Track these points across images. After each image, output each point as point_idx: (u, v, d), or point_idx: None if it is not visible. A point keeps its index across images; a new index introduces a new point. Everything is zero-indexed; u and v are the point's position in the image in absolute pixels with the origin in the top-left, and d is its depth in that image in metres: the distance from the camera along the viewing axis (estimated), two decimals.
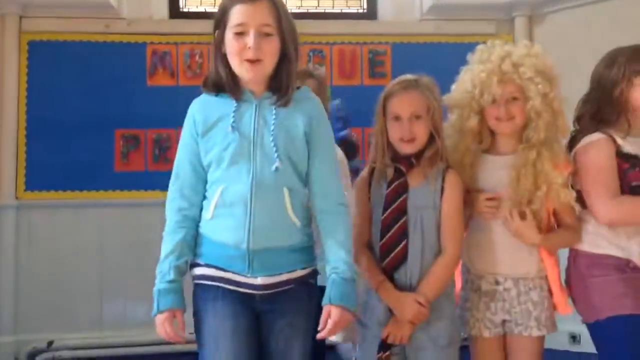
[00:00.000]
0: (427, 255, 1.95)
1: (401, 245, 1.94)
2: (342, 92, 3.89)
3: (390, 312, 1.94)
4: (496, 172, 2.04)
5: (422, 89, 1.99)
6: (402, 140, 1.97)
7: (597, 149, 2.04)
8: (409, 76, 2.03)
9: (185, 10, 4.19)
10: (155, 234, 1.88)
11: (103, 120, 3.83)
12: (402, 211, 1.95)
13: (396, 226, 1.94)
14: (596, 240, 2.06)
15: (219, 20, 1.75)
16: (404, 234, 1.94)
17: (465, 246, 2.05)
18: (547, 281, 2.05)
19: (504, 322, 2.04)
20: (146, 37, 3.92)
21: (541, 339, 2.04)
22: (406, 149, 1.98)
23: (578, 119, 2.15)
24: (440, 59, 3.74)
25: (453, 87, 2.13)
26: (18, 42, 3.83)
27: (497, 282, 2.04)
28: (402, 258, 1.94)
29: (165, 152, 3.84)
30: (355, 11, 4.28)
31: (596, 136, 2.05)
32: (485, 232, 2.05)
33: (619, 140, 2.04)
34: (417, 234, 1.95)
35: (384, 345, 1.92)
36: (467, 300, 2.08)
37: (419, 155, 1.98)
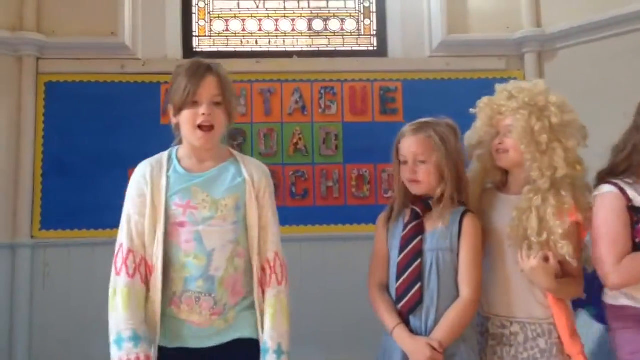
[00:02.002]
0: (443, 299, 1.92)
1: (416, 288, 1.92)
2: (353, 129, 3.94)
3: (406, 356, 1.91)
4: (507, 212, 2.01)
5: (430, 133, 1.99)
6: (409, 181, 2.00)
7: (603, 204, 1.97)
8: (424, 119, 2.05)
9: (199, 50, 4.26)
10: None
11: (117, 159, 3.86)
12: (418, 253, 1.94)
13: (411, 269, 1.93)
14: (614, 292, 2.00)
15: None
16: (419, 276, 1.92)
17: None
18: (556, 328, 1.98)
19: None
20: (160, 76, 3.98)
21: None
22: (414, 190, 2.00)
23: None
24: (450, 95, 3.79)
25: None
26: (35, 83, 3.90)
27: (503, 326, 1.99)
28: (418, 301, 1.92)
29: None
30: (366, 49, 4.33)
31: (606, 189, 1.99)
32: (495, 272, 2.02)
33: (630, 193, 1.96)
34: (433, 277, 1.92)
35: None
36: (477, 343, 2.03)
37: (437, 197, 1.99)
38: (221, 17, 4.34)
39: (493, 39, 4.08)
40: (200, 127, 1.89)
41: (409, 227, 1.97)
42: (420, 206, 1.99)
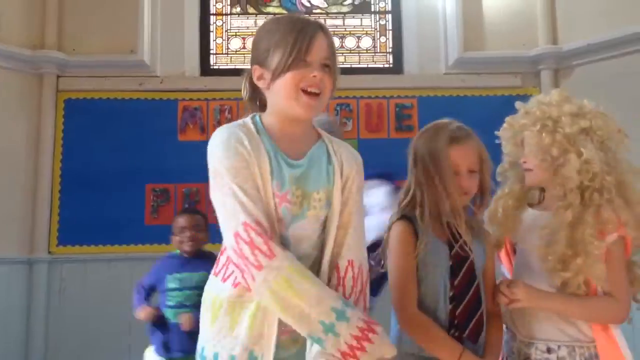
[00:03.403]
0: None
1: (479, 313, 1.74)
2: (369, 145, 3.95)
3: None
4: (536, 229, 1.85)
5: (478, 141, 1.82)
6: (464, 193, 1.78)
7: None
8: (458, 123, 1.83)
9: (216, 67, 4.30)
10: None
11: (135, 176, 3.90)
12: (472, 273, 1.75)
13: (471, 292, 1.74)
14: None
15: None
16: (479, 300, 1.75)
17: (506, 309, 1.85)
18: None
19: None
20: (178, 94, 4.03)
21: None
22: (464, 202, 1.79)
23: None
24: (466, 112, 3.72)
25: None
26: (55, 100, 3.96)
27: (549, 350, 1.80)
28: (481, 327, 1.74)
29: (194, 205, 3.88)
30: (382, 66, 4.35)
31: None
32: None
33: None
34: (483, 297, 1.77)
35: None
36: None
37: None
38: (238, 35, 4.38)
39: (509, 55, 4.09)
40: (305, 92, 1.50)
41: (458, 244, 1.74)
42: (467, 219, 1.78)
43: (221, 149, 1.49)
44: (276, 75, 1.51)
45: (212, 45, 4.35)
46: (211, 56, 4.33)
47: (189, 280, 2.80)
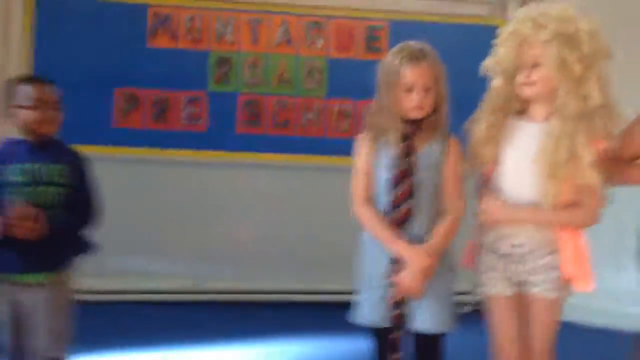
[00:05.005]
0: (430, 214, 2.10)
1: (408, 203, 2.08)
2: (338, 65, 4.06)
3: (393, 265, 2.08)
4: (525, 139, 2.06)
5: (430, 60, 2.08)
6: (415, 108, 2.07)
7: None
8: (412, 44, 2.10)
9: None
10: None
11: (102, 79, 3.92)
12: (410, 171, 2.09)
13: (404, 185, 2.08)
14: None
15: None
16: (411, 192, 2.08)
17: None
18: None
19: (519, 283, 2.07)
20: None
21: (557, 302, 2.06)
22: (416, 115, 2.09)
23: None
24: (435, 39, 3.88)
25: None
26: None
27: (514, 246, 2.08)
28: (409, 215, 2.09)
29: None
30: None
31: None
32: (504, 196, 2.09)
33: None
34: (424, 193, 2.09)
35: (395, 302, 2.07)
36: (484, 262, 2.13)
37: (421, 121, 2.10)
38: None
39: None
40: None
41: (402, 145, 2.10)
42: (410, 128, 2.11)
43: None
44: None
45: None
46: None
47: None
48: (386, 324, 2.10)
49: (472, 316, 2.41)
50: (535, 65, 2.00)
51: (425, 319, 2.10)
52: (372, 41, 4.14)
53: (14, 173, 2.20)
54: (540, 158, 2.00)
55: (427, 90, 2.07)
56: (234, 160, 4.07)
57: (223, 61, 4.03)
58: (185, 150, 4.03)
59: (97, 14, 3.96)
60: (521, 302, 2.11)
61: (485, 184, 2.15)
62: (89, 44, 3.94)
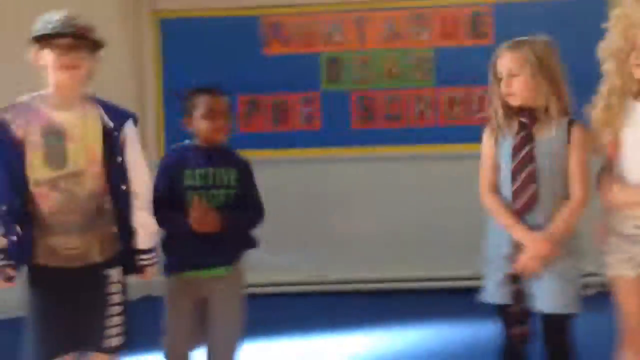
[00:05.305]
0: (556, 200, 2.16)
1: (532, 189, 2.16)
2: (444, 53, 4.12)
3: (515, 249, 2.17)
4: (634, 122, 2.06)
5: (524, 49, 2.16)
6: (506, 95, 2.19)
7: None
8: (521, 38, 2.21)
9: None
10: None
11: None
12: (530, 159, 2.17)
13: (525, 172, 2.17)
14: None
15: None
16: (534, 179, 2.16)
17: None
18: None
19: None
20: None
21: None
22: (512, 102, 2.19)
23: None
24: (539, 19, 3.84)
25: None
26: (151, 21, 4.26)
27: (638, 227, 2.08)
28: (530, 203, 2.16)
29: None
30: None
31: None
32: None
33: None
34: (548, 180, 2.16)
35: (513, 278, 2.18)
36: (609, 244, 2.15)
37: (542, 109, 2.17)
38: None
39: None
40: None
41: (520, 136, 2.19)
42: (527, 117, 2.19)
43: None
44: None
45: None
46: None
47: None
48: (508, 301, 2.20)
49: (599, 299, 2.41)
50: None
51: (547, 299, 2.17)
52: (477, 26, 4.16)
53: (191, 177, 2.39)
54: None
55: (512, 76, 2.15)
56: (350, 155, 4.24)
57: (333, 61, 4.20)
58: (304, 149, 4.24)
59: (215, 28, 4.25)
60: None
61: (607, 167, 2.17)
62: (210, 57, 4.22)
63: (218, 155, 2.45)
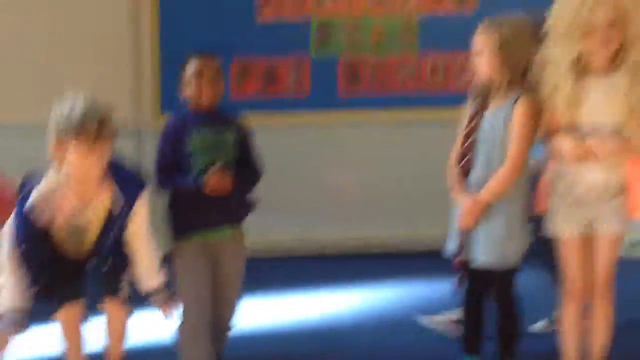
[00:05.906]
0: (491, 167, 2.38)
1: (468, 157, 2.42)
2: (428, 20, 4.20)
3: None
4: (593, 94, 2.20)
5: (489, 31, 2.37)
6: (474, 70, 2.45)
7: None
8: (499, 18, 2.40)
9: None
10: None
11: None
12: (474, 129, 2.43)
13: (468, 142, 2.44)
14: None
15: None
16: (470, 148, 2.43)
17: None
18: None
19: (588, 222, 2.26)
20: None
21: (620, 238, 2.28)
22: (478, 77, 2.46)
23: None
24: None
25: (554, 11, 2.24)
26: None
27: (585, 187, 2.24)
28: (469, 167, 2.43)
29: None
30: None
31: None
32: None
33: None
34: (483, 148, 2.40)
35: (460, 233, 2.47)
36: (554, 203, 2.34)
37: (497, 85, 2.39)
38: None
39: None
40: None
41: (473, 107, 2.47)
42: (481, 91, 2.46)
43: None
44: None
45: None
46: None
47: None
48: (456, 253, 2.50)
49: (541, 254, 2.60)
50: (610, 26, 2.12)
51: (479, 255, 2.40)
52: None
53: (193, 142, 2.46)
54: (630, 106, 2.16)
55: (478, 54, 2.40)
56: (338, 119, 4.32)
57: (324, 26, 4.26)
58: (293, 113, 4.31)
59: None
60: (588, 240, 2.29)
61: (555, 127, 2.30)
62: (206, 21, 4.26)
63: (217, 119, 2.53)
